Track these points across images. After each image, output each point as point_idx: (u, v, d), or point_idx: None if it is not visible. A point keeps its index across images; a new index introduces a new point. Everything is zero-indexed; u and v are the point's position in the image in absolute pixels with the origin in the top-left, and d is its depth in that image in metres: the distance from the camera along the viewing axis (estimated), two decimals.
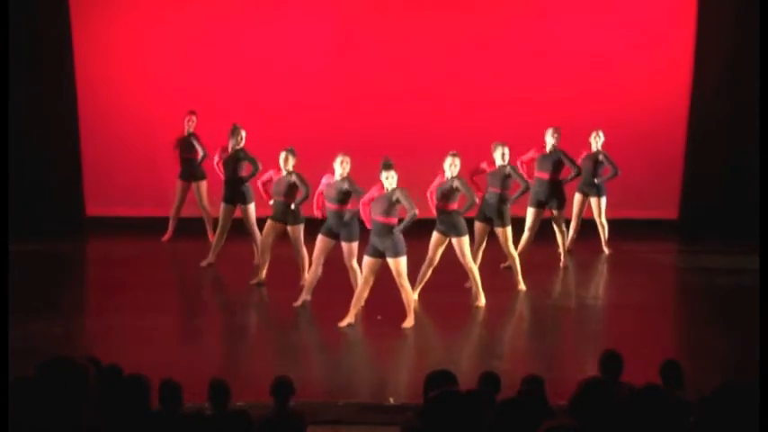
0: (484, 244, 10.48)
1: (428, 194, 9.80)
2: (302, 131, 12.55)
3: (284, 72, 13.17)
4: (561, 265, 11.47)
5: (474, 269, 9.85)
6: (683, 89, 13.26)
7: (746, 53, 12.69)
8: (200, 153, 11.97)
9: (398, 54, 13.15)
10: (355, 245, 9.57)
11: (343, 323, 9.24)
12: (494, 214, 10.29)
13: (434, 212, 9.73)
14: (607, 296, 11.02)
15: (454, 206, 9.64)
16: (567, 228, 11.70)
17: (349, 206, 9.51)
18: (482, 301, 9.89)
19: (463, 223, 9.68)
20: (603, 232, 12.02)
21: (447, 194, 9.60)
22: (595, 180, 11.76)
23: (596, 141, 11.69)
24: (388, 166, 8.98)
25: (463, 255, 9.72)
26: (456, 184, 9.53)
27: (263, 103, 13.14)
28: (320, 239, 9.68)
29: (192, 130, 12.00)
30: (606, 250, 12.06)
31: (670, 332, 9.90)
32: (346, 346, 9.05)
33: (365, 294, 9.28)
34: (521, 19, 13.24)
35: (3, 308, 8.24)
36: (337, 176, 9.50)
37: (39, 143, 12.98)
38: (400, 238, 9.04)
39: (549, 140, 11.20)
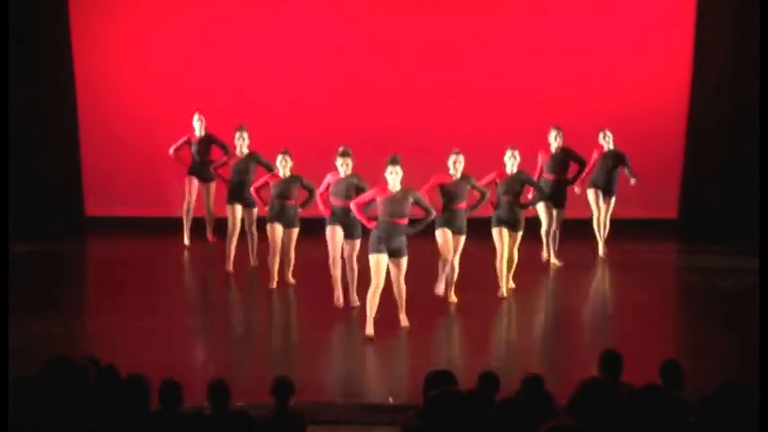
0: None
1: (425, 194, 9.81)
2: (302, 131, 12.56)
3: (284, 72, 13.17)
4: (548, 262, 11.43)
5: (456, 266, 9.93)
6: (682, 88, 13.25)
7: (746, 53, 12.69)
8: (225, 152, 11.61)
9: (399, 54, 13.15)
10: (358, 242, 9.58)
11: (369, 333, 8.91)
12: (510, 219, 10.09)
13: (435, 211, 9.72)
14: (607, 296, 11.01)
15: (463, 205, 9.70)
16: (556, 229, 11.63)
17: None
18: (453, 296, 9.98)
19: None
20: (604, 233, 11.98)
21: (460, 193, 9.64)
22: (610, 178, 11.68)
23: (606, 141, 11.62)
24: (394, 161, 8.96)
25: (457, 252, 9.85)
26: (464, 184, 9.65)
27: (262, 103, 13.13)
28: (333, 231, 9.62)
29: (205, 131, 11.88)
30: (602, 251, 11.97)
31: (670, 332, 9.90)
32: (346, 347, 9.06)
33: (377, 298, 9.00)
34: (521, 19, 13.24)
35: (3, 308, 8.25)
36: (343, 173, 9.52)
37: (39, 143, 12.98)
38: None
39: (554, 142, 11.20)
